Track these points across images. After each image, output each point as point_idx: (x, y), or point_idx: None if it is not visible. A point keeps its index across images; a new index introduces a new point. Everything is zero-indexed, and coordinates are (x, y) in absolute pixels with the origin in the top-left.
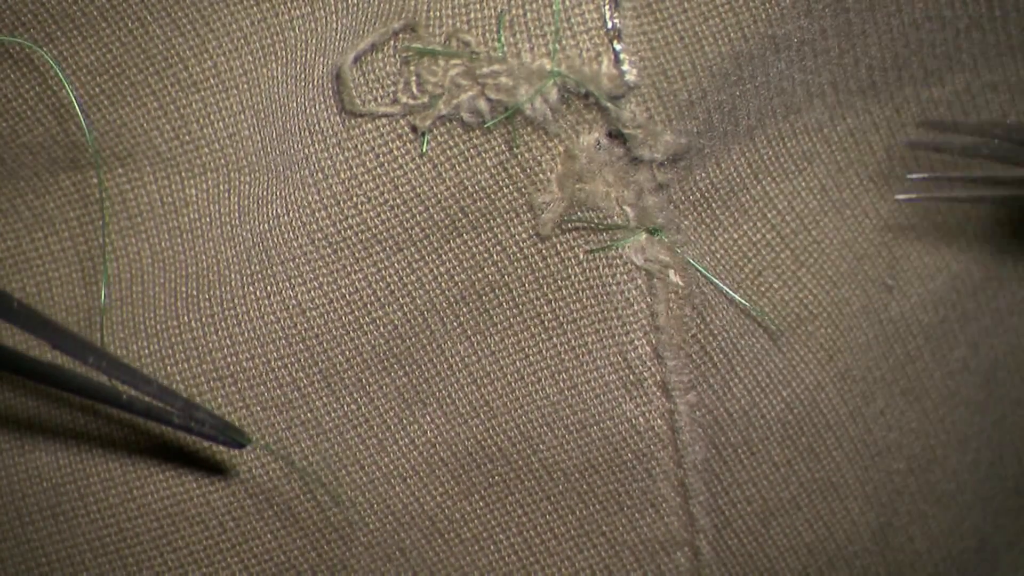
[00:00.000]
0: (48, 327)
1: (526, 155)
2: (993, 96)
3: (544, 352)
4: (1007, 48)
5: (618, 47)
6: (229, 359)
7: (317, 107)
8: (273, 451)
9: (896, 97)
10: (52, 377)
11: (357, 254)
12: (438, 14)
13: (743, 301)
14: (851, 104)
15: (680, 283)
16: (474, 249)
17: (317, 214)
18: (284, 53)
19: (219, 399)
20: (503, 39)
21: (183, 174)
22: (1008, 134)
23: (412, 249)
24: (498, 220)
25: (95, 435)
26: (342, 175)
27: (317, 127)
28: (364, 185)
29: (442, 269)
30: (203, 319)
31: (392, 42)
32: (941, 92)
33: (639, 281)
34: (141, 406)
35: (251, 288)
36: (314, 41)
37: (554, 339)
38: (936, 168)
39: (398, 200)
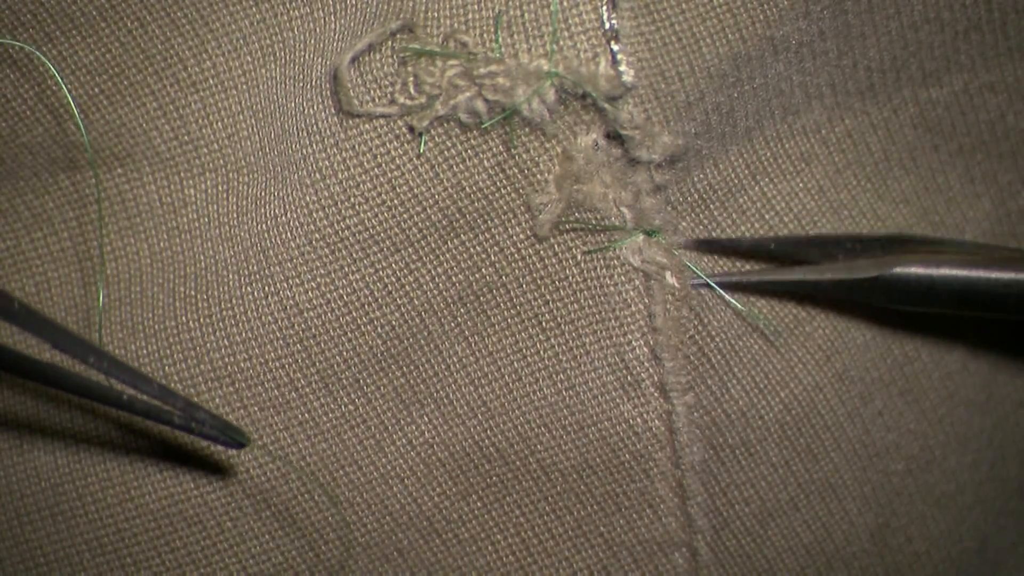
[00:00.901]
0: (49, 327)
1: (524, 156)
2: (991, 96)
3: (542, 353)
4: (1005, 49)
5: (616, 48)
6: (227, 359)
7: (315, 107)
8: (272, 452)
9: (894, 98)
10: (52, 378)
11: (355, 255)
12: (436, 15)
13: (739, 305)
14: (849, 105)
15: (677, 284)
16: (472, 250)
17: (315, 215)
18: (283, 54)
19: (217, 399)
20: (500, 40)
21: (182, 174)
22: (782, 246)
23: (410, 250)
24: (495, 221)
25: (93, 435)
26: (339, 176)
27: (315, 127)
28: (361, 186)
29: (440, 270)
30: (201, 319)
31: (390, 42)
32: (939, 93)
33: (636, 282)
34: (141, 406)
35: (249, 288)
36: (312, 42)
37: (552, 340)
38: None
39: (395, 201)
